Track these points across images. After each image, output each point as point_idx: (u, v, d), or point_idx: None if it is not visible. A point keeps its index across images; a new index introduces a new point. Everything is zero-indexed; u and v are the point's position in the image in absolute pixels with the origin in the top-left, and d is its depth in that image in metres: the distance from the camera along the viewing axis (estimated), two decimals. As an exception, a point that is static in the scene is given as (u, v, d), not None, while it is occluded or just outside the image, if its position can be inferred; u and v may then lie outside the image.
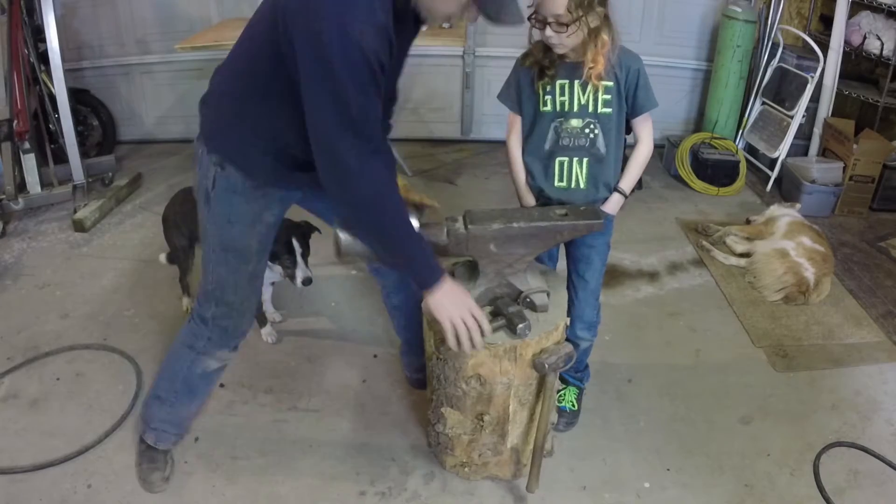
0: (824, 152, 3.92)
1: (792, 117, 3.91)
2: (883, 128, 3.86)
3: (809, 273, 2.85)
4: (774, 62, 4.11)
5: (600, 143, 1.84)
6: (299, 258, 2.28)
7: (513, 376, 1.73)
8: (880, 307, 2.87)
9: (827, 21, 4.03)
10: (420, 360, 2.11)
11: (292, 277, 2.29)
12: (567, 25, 1.65)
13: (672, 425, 2.21)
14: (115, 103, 4.39)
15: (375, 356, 2.50)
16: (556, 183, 1.90)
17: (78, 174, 3.58)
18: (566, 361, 1.72)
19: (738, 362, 2.52)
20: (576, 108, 1.81)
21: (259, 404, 2.26)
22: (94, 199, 3.56)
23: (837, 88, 3.89)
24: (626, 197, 1.93)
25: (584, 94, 1.80)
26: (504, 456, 1.91)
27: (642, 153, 1.90)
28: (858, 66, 4.09)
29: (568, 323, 1.82)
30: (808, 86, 3.82)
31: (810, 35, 3.95)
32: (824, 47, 3.82)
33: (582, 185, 1.88)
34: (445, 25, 2.50)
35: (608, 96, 1.79)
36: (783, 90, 4.03)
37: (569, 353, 1.72)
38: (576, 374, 2.20)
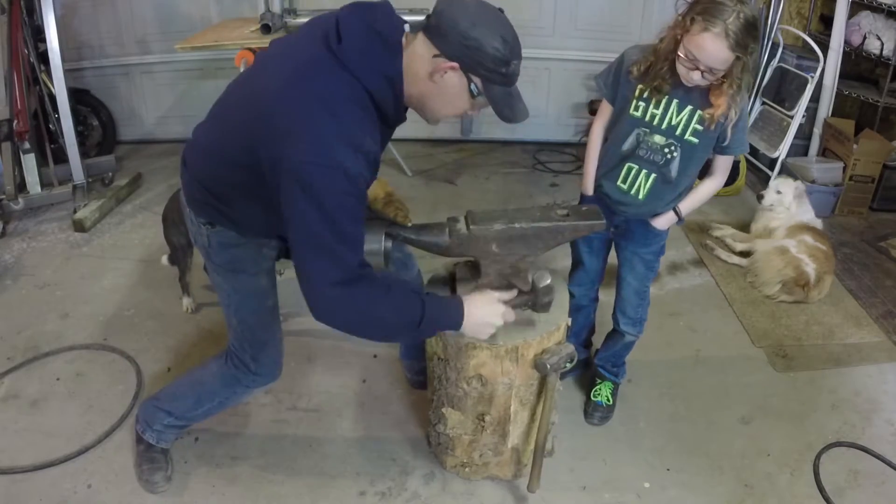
0: (824, 152, 3.92)
1: (792, 117, 3.91)
2: (883, 128, 3.86)
3: (810, 268, 2.85)
4: (774, 62, 4.11)
5: (674, 166, 1.81)
6: None
7: (514, 377, 1.73)
8: (880, 307, 2.87)
9: (827, 21, 4.03)
10: (420, 363, 2.11)
11: None
12: (721, 80, 1.61)
13: (672, 425, 2.21)
14: (115, 103, 4.39)
15: (375, 356, 2.50)
16: (618, 182, 1.89)
17: (78, 174, 3.57)
18: (567, 362, 1.72)
19: (738, 362, 2.52)
20: (664, 126, 1.77)
21: (259, 404, 2.26)
22: (94, 199, 3.56)
23: (837, 88, 3.88)
24: (679, 218, 1.91)
25: (678, 115, 1.75)
26: (505, 456, 1.91)
27: (710, 186, 1.89)
28: (858, 66, 4.09)
29: (569, 324, 1.82)
30: (808, 86, 3.82)
31: (810, 35, 3.95)
32: (824, 47, 3.82)
33: (640, 196, 1.87)
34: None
35: (700, 127, 1.74)
36: (783, 90, 4.03)
37: (570, 354, 1.72)
38: (612, 368, 2.23)
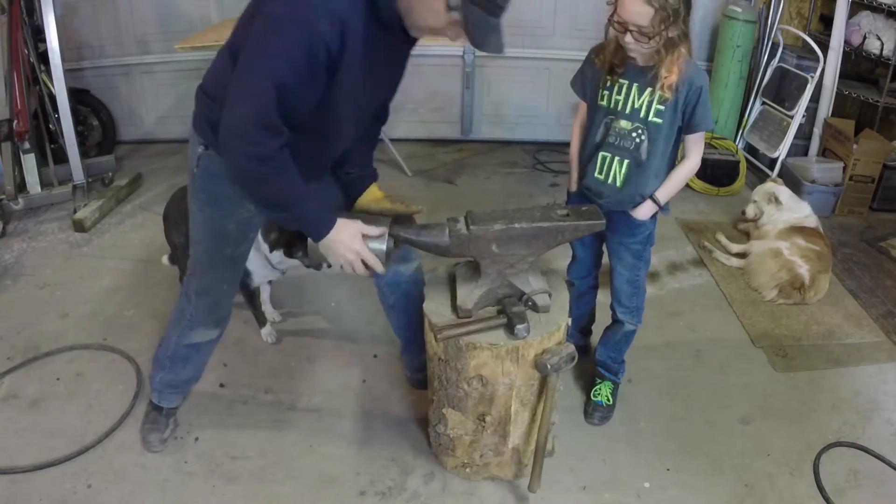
0: (824, 152, 3.92)
1: (792, 117, 3.91)
2: (883, 128, 3.86)
3: (803, 270, 2.85)
4: (774, 62, 4.11)
5: (644, 149, 1.85)
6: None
7: (515, 377, 1.73)
8: (880, 307, 2.87)
9: (827, 21, 4.03)
10: (419, 359, 2.11)
11: (316, 267, 2.24)
12: (649, 37, 1.65)
13: (672, 425, 2.21)
14: (115, 103, 4.39)
15: (375, 356, 2.50)
16: (595, 174, 1.94)
17: (78, 174, 3.57)
18: (568, 362, 1.72)
19: (738, 362, 2.52)
20: (628, 110, 1.83)
21: (259, 404, 2.26)
22: (94, 199, 3.56)
23: (837, 88, 3.88)
24: (659, 206, 1.93)
25: (639, 99, 1.81)
26: (505, 456, 1.91)
27: (686, 167, 1.92)
28: (858, 66, 4.09)
29: (569, 323, 1.82)
30: (808, 86, 3.82)
31: (810, 35, 3.95)
32: (824, 47, 3.82)
33: (618, 184, 1.91)
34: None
35: (662, 107, 1.79)
36: (783, 90, 4.03)
37: (570, 354, 1.72)
38: (613, 365, 2.24)
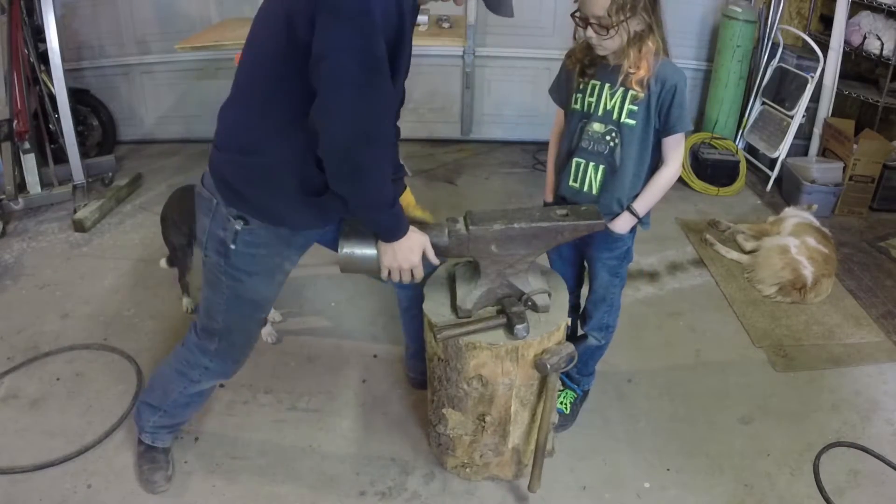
0: (824, 152, 3.92)
1: (792, 117, 3.91)
2: (883, 128, 3.86)
3: (808, 271, 2.85)
4: (774, 62, 4.11)
5: (618, 154, 1.78)
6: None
7: (515, 377, 1.73)
8: (880, 307, 2.87)
9: (827, 21, 4.03)
10: (424, 364, 2.10)
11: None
12: (608, 28, 1.62)
13: (672, 425, 2.21)
14: (115, 103, 4.39)
15: (375, 356, 2.50)
16: (570, 182, 1.88)
17: (78, 174, 3.58)
18: (568, 362, 1.72)
19: (738, 362, 2.52)
20: (600, 112, 1.78)
21: (259, 404, 2.26)
22: (94, 199, 3.56)
23: (837, 88, 3.89)
24: (638, 218, 1.85)
25: (611, 100, 1.75)
26: (505, 456, 1.91)
27: (665, 176, 1.81)
28: (858, 66, 4.09)
29: (569, 323, 1.82)
30: (808, 86, 3.82)
31: (810, 35, 3.95)
32: (824, 47, 3.82)
33: (594, 192, 1.84)
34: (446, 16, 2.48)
35: (635, 107, 1.73)
36: (783, 90, 4.03)
37: (570, 354, 1.72)
38: (576, 375, 2.18)
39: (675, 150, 1.80)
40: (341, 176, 1.42)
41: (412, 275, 1.65)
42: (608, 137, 1.78)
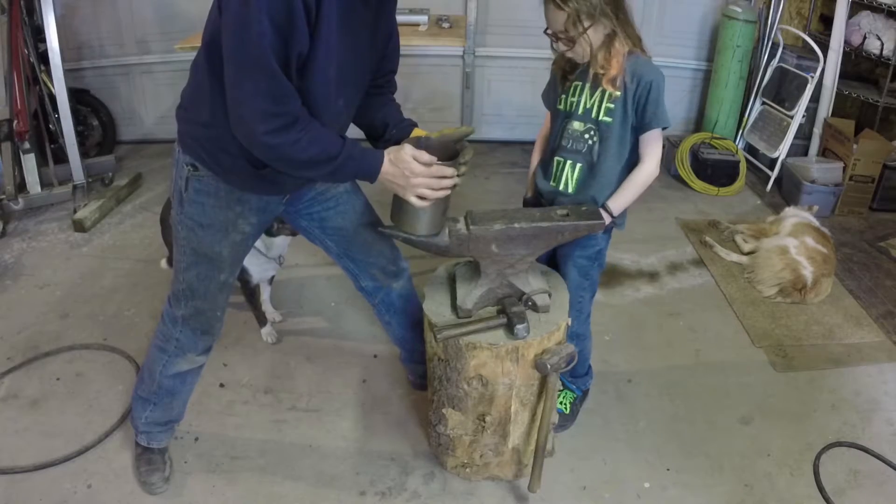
0: (824, 152, 3.92)
1: (792, 117, 3.91)
2: (883, 128, 3.87)
3: (807, 271, 2.85)
4: (774, 62, 4.11)
5: (596, 150, 1.82)
6: None
7: (515, 377, 1.73)
8: (880, 307, 2.87)
9: (827, 21, 4.03)
10: (423, 367, 2.10)
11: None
12: (572, 40, 1.69)
13: (672, 425, 2.21)
14: (115, 103, 4.39)
15: (375, 356, 2.50)
16: (549, 180, 1.92)
17: (78, 174, 3.58)
18: (568, 362, 1.72)
19: (738, 362, 2.52)
20: (580, 111, 1.82)
21: (259, 404, 2.26)
22: (94, 199, 3.56)
23: (837, 88, 3.88)
24: (612, 217, 1.82)
25: (590, 99, 1.80)
26: (505, 456, 1.91)
27: (641, 174, 1.79)
28: (858, 66, 4.09)
29: (569, 323, 1.82)
30: (808, 86, 3.82)
31: (810, 35, 3.95)
32: (824, 47, 3.82)
33: (570, 190, 1.87)
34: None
35: (612, 105, 1.76)
36: (783, 90, 4.03)
37: (570, 354, 1.72)
38: (570, 378, 2.18)
39: (652, 147, 1.79)
40: (265, 159, 1.47)
41: (439, 181, 1.58)
42: (587, 136, 1.82)
